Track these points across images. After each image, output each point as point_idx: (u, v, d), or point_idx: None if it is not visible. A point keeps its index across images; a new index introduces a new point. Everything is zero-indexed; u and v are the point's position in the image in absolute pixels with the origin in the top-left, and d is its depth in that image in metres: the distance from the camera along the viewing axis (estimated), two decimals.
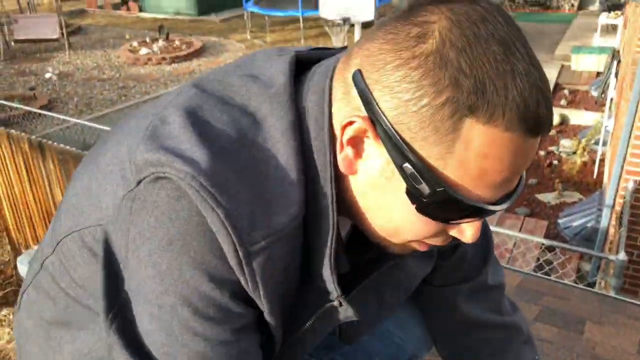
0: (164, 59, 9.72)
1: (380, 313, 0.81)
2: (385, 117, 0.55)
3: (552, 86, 8.30)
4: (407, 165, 0.55)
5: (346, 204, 0.63)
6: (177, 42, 10.51)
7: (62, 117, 4.85)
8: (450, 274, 0.86)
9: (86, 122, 4.65)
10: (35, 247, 2.65)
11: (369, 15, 7.09)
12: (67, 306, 0.71)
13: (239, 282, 0.58)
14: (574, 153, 6.59)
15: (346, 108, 0.59)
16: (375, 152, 0.58)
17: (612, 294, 2.92)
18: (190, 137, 0.57)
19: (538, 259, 4.03)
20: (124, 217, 0.58)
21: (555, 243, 3.25)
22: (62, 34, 10.05)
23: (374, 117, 0.56)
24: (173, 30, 11.82)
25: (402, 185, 0.57)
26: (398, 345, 0.96)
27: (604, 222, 4.02)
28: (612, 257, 2.93)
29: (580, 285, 2.10)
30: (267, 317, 0.63)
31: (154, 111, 0.63)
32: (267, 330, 0.65)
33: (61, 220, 0.70)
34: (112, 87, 8.59)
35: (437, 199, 0.56)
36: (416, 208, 0.58)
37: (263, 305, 0.61)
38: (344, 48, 0.71)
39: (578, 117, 7.60)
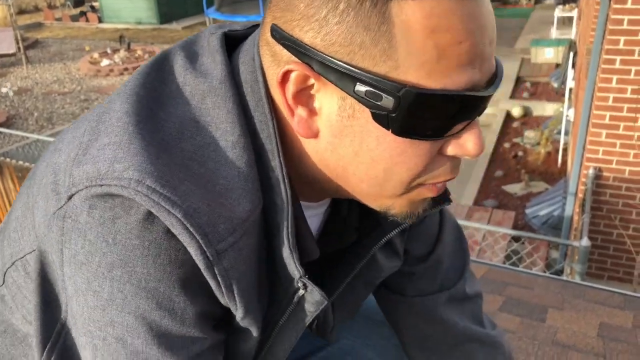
0: (126, 69, 9.59)
1: (352, 309, 0.79)
2: (314, 48, 0.50)
3: (514, 79, 8.52)
4: (359, 86, 0.49)
5: (321, 182, 0.58)
6: (139, 52, 10.38)
7: (21, 133, 4.72)
8: (426, 282, 0.83)
9: (47, 138, 4.54)
10: None
11: None
12: (15, 341, 0.64)
13: (196, 298, 0.53)
14: (538, 144, 6.72)
15: (278, 69, 0.53)
16: (326, 97, 0.52)
17: (577, 279, 2.98)
18: (124, 132, 0.51)
19: (506, 250, 4.10)
20: (56, 237, 0.53)
21: (521, 233, 3.30)
22: (19, 48, 9.83)
23: (305, 58, 0.50)
24: (135, 39, 11.67)
25: (368, 115, 0.51)
26: None
27: (568, 210, 4.11)
28: (575, 243, 2.97)
29: (543, 274, 2.14)
30: (242, 322, 0.58)
31: (92, 115, 0.57)
32: (240, 340, 0.61)
33: (4, 247, 0.62)
34: (73, 101, 8.43)
35: (406, 105, 0.49)
36: (393, 131, 0.51)
37: (237, 308, 0.55)
38: None
39: (540, 108, 7.76)
